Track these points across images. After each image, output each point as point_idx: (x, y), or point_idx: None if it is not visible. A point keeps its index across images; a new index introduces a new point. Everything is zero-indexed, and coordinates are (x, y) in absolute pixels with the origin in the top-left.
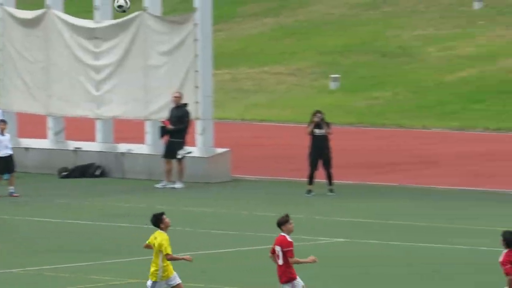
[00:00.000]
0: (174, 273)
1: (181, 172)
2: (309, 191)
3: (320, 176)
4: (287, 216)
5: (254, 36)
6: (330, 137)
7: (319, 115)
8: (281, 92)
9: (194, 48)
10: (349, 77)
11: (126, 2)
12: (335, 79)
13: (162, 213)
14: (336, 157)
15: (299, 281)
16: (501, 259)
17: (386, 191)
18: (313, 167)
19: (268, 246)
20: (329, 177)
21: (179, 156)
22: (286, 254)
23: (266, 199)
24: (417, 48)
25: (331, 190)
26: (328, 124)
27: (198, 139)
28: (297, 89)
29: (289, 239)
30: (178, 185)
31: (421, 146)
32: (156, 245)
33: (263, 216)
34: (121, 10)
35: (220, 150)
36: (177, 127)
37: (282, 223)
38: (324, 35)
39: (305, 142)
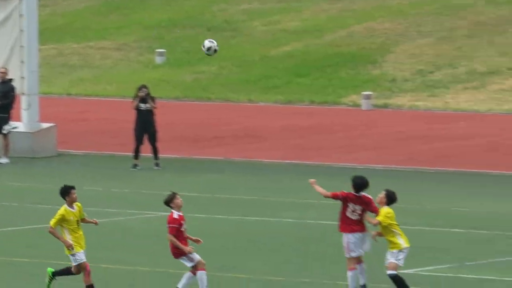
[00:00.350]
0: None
1: (6, 147)
2: (135, 165)
3: (146, 151)
4: (173, 193)
5: (79, 11)
6: (156, 111)
7: (144, 89)
8: (107, 67)
9: (19, 24)
10: (174, 52)
11: (212, 42)
12: (160, 54)
13: (72, 187)
14: (162, 131)
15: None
16: None
17: (213, 165)
18: (139, 141)
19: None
20: (155, 151)
21: (4, 131)
22: (168, 230)
23: (92, 174)
24: (243, 22)
25: (157, 164)
26: (153, 99)
27: (24, 114)
28: (122, 64)
29: (175, 216)
30: (3, 160)
31: (246, 120)
32: None
33: (90, 190)
34: (211, 51)
35: (45, 125)
36: (2, 102)
37: (170, 200)
38: (149, 10)
39: (131, 117)
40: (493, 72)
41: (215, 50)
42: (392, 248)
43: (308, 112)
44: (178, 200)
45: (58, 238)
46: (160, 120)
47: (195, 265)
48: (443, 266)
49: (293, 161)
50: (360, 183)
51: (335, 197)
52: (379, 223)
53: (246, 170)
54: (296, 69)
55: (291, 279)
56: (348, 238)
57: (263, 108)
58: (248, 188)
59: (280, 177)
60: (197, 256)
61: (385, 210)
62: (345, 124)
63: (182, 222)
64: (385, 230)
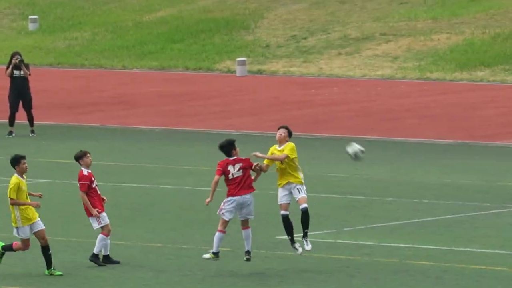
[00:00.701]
0: (38, 218)
1: None
2: (10, 132)
3: (21, 118)
4: (85, 151)
5: None
6: (30, 78)
7: (18, 56)
8: None
9: None
10: (47, 18)
11: (362, 152)
12: (33, 20)
13: (22, 157)
14: (37, 98)
15: (104, 215)
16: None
17: (88, 131)
18: (14, 108)
19: None
20: (30, 118)
21: None
22: (79, 188)
23: None
24: None
25: (32, 131)
26: (27, 66)
27: None
28: None
29: (85, 173)
30: None
31: (121, 86)
32: None
33: None
34: (356, 158)
35: None
36: None
37: (80, 157)
38: None
39: (5, 84)
40: (367, 38)
41: (355, 153)
42: (299, 182)
43: (182, 78)
44: (88, 159)
45: (20, 204)
46: (35, 87)
47: (102, 227)
48: (321, 232)
49: (169, 128)
50: (226, 150)
51: (220, 174)
52: (287, 156)
53: (122, 137)
54: (170, 35)
55: (170, 245)
56: (232, 201)
57: (137, 75)
58: (125, 154)
59: (156, 144)
60: (106, 220)
61: (291, 144)
62: (220, 90)
63: (92, 178)
64: (289, 166)
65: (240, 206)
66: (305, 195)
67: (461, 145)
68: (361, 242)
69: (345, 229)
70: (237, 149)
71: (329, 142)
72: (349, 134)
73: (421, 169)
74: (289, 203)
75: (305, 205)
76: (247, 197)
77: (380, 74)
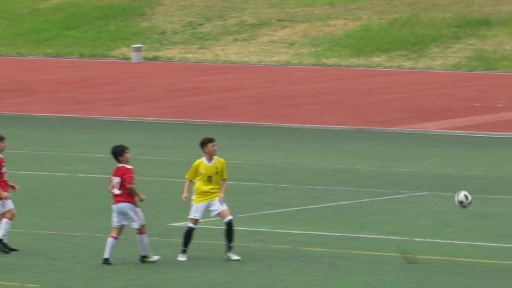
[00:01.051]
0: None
1: None
2: None
3: None
4: (1, 136)
5: None
6: None
7: None
8: None
9: None
10: None
11: (466, 198)
12: None
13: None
14: None
15: (9, 201)
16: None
17: None
18: None
19: None
20: None
21: None
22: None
23: None
24: None
25: None
26: None
27: None
28: None
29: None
30: None
31: (16, 74)
32: None
33: None
34: (461, 206)
35: None
36: None
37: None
38: None
39: None
40: (263, 24)
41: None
42: (219, 195)
43: (77, 65)
44: (3, 144)
45: None
46: None
47: (4, 212)
48: (214, 219)
49: (64, 115)
50: (114, 153)
51: (111, 189)
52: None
53: (18, 124)
54: (66, 22)
55: (63, 232)
56: (113, 209)
57: (33, 62)
58: (20, 142)
59: (51, 131)
60: (10, 205)
61: (223, 161)
62: (115, 77)
63: (2, 164)
64: (215, 182)
65: (122, 214)
66: (227, 207)
67: (357, 131)
68: (254, 229)
69: (238, 215)
70: (126, 155)
71: (224, 129)
72: (245, 120)
73: (317, 155)
74: (200, 218)
75: (230, 217)
76: (123, 206)
77: (276, 60)
